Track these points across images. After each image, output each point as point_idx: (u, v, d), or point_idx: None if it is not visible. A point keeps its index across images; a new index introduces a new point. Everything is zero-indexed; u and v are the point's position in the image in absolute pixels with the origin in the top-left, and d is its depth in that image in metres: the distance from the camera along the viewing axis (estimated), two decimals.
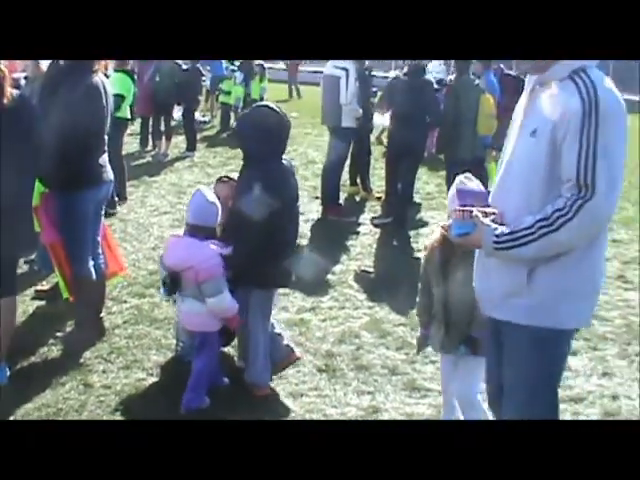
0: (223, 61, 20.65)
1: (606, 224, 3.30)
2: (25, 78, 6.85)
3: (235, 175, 5.58)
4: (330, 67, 10.70)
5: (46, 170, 5.44)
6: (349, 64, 10.42)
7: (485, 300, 3.58)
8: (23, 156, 4.96)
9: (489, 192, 3.61)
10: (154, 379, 5.47)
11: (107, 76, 8.98)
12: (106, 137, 6.03)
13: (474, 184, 3.92)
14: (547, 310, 3.30)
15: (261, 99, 18.75)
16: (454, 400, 4.63)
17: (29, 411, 4.90)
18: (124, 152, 11.83)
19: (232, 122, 18.08)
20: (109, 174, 6.05)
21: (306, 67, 32.12)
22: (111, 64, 9.59)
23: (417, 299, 4.84)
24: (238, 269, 4.99)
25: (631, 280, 8.58)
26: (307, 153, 15.67)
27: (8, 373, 5.30)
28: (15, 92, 5.16)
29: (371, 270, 8.27)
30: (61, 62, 5.71)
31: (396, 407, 5.23)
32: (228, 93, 18.42)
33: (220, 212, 5.13)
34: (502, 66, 12.69)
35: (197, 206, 5.11)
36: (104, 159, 6.00)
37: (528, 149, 3.28)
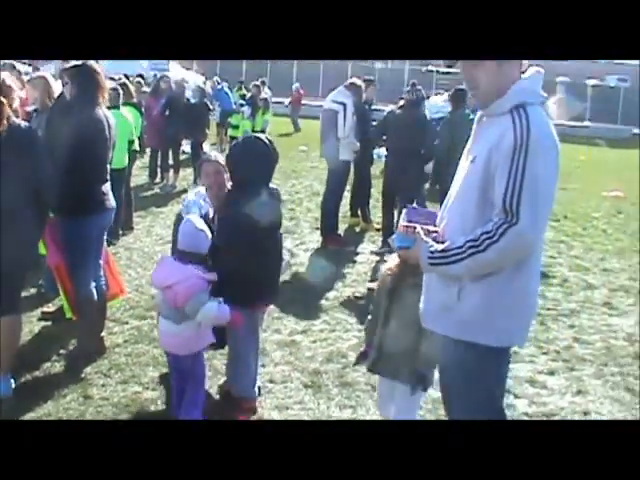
0: (232, 96, 21.24)
1: (531, 249, 3.47)
2: (35, 111, 7.23)
3: None
4: (328, 102, 11.13)
5: (53, 197, 5.80)
6: (347, 99, 10.85)
7: (424, 313, 3.83)
8: (21, 181, 5.32)
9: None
10: (150, 393, 5.79)
11: (117, 107, 9.48)
12: (109, 167, 6.44)
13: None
14: (477, 326, 3.53)
15: (262, 132, 19.23)
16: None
17: (31, 420, 5.21)
18: (133, 183, 12.28)
19: None
20: (111, 202, 6.44)
21: (310, 101, 32.96)
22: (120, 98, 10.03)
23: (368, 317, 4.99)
24: (223, 287, 5.31)
25: (616, 307, 8.89)
26: (312, 186, 16.06)
27: (13, 385, 5.66)
28: (19, 122, 5.55)
29: (362, 296, 8.60)
30: (67, 95, 6.13)
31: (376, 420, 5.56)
32: (236, 127, 18.92)
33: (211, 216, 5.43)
34: None
35: (186, 234, 5.24)
36: (107, 187, 6.39)
37: (467, 175, 3.58)
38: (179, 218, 5.80)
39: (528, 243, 3.41)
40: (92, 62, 6.14)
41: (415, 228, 3.65)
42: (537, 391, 6.31)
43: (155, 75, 23.18)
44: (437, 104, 17.76)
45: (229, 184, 5.64)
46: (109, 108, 8.79)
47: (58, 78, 6.56)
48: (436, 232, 3.66)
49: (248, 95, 20.91)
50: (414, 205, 3.99)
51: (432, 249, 3.53)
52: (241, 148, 5.70)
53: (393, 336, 4.47)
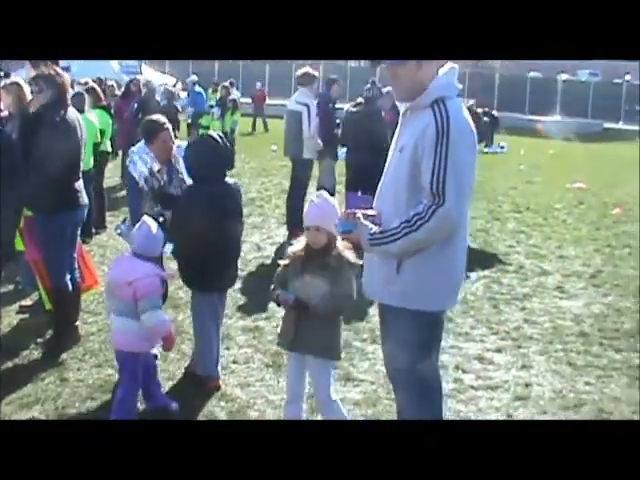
0: (205, 97, 21.67)
1: (456, 225, 3.97)
2: (9, 115, 7.57)
3: None
4: (293, 103, 11.58)
5: (28, 196, 6.22)
6: (309, 100, 11.30)
7: (368, 286, 4.31)
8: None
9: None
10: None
11: (82, 111, 9.85)
12: (81, 165, 6.87)
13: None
14: (415, 295, 4.03)
15: (232, 132, 19.71)
16: (299, 398, 5.01)
17: (12, 400, 5.66)
18: (105, 184, 12.67)
19: None
20: (84, 199, 6.86)
21: (274, 100, 33.62)
22: (88, 101, 10.42)
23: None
24: (182, 274, 5.76)
25: (567, 291, 9.38)
26: (282, 184, 16.42)
27: None
28: None
29: None
30: (38, 101, 6.55)
31: None
32: (207, 127, 19.30)
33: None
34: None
35: (141, 237, 5.42)
36: (80, 185, 6.80)
37: (396, 163, 4.07)
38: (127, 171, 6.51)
39: (454, 220, 3.91)
40: (57, 69, 6.57)
41: (355, 214, 4.11)
42: (484, 367, 6.77)
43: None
44: None
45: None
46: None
47: (28, 84, 6.93)
48: (374, 216, 4.12)
49: (218, 96, 21.29)
50: (353, 193, 4.44)
51: (372, 231, 4.01)
52: (196, 147, 6.16)
53: (307, 314, 4.74)
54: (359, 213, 4.10)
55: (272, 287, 4.96)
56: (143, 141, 6.57)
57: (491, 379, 6.51)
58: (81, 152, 6.80)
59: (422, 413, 4.20)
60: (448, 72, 4.08)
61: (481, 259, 10.77)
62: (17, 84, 7.21)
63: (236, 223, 6.13)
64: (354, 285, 4.73)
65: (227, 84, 21.87)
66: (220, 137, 6.09)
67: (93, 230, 10.87)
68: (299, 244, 4.92)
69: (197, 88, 22.84)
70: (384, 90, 11.83)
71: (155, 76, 38.81)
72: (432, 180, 3.82)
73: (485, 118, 20.20)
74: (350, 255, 4.70)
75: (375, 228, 4.01)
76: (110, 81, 19.91)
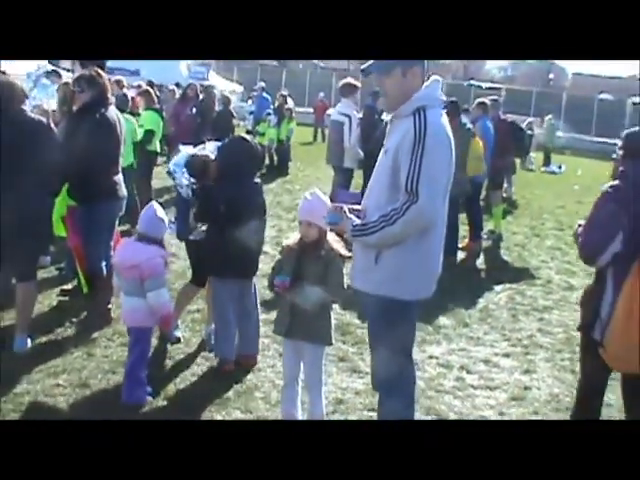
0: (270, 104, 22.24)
1: (430, 220, 4.35)
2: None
3: None
4: (335, 113, 12.07)
5: (72, 186, 6.95)
6: (350, 111, 11.75)
7: (350, 275, 4.76)
8: (41, 172, 6.27)
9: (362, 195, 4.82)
10: None
11: (138, 114, 10.47)
12: (120, 161, 7.42)
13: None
14: (392, 284, 4.44)
15: (287, 139, 20.25)
16: (294, 381, 5.43)
17: (41, 369, 6.20)
18: (159, 184, 13.28)
19: (266, 161, 19.57)
20: (123, 191, 7.42)
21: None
22: (142, 103, 11.04)
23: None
24: (207, 261, 6.26)
25: None
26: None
27: (29, 344, 6.63)
28: (38, 117, 6.58)
29: None
30: (82, 99, 7.11)
31: (336, 383, 6.43)
32: (262, 134, 19.88)
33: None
34: (500, 113, 13.79)
35: (147, 219, 5.88)
36: (119, 178, 7.37)
37: (381, 164, 4.52)
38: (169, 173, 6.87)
39: (427, 216, 4.32)
40: (99, 70, 7.15)
41: (342, 207, 4.55)
42: (488, 369, 7.11)
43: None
44: None
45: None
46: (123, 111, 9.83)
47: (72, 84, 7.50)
48: (359, 210, 4.56)
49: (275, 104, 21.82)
50: (342, 190, 4.89)
51: (355, 224, 4.45)
52: (228, 146, 6.64)
53: (302, 303, 5.11)
54: (345, 207, 4.54)
55: (269, 277, 5.40)
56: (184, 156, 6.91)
57: (492, 380, 6.84)
58: (120, 148, 7.36)
59: (391, 398, 4.69)
60: (430, 84, 4.49)
61: (511, 272, 11.13)
62: (66, 84, 7.80)
63: (259, 218, 6.58)
64: (344, 276, 5.14)
65: (285, 92, 22.42)
66: (250, 138, 6.59)
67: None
68: (293, 237, 5.39)
69: (264, 94, 23.40)
70: None
71: (222, 82, 39.69)
72: (407, 179, 4.24)
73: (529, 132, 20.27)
74: (340, 248, 5.14)
75: (358, 221, 4.45)
76: (171, 85, 20.57)
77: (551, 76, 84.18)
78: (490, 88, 51.21)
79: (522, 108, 41.40)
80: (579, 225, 5.03)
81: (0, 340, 6.53)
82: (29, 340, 6.66)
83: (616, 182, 4.83)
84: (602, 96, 51.68)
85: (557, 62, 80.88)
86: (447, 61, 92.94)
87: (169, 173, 6.92)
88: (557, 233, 14.73)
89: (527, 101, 47.85)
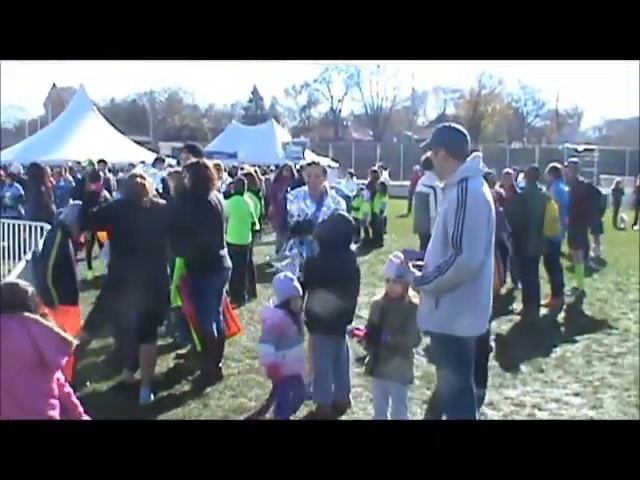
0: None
1: (474, 269, 5.32)
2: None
3: None
4: (420, 185, 12.98)
5: (186, 259, 8.18)
6: (434, 183, 12.64)
7: (418, 317, 5.77)
8: (161, 241, 7.57)
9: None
10: (252, 403, 7.75)
11: (241, 194, 11.75)
12: (224, 237, 8.57)
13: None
14: (449, 323, 5.44)
15: (381, 212, 21.32)
16: (383, 415, 6.46)
17: (164, 417, 7.28)
18: (261, 260, 14.49)
19: (362, 234, 20.84)
20: (228, 263, 8.55)
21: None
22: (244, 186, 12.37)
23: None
24: (312, 319, 7.28)
25: None
26: None
27: (152, 398, 7.77)
28: (159, 200, 7.84)
29: None
30: (187, 184, 8.35)
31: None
32: (357, 209, 20.99)
33: None
34: (577, 175, 14.47)
35: (281, 290, 6.88)
36: (224, 252, 8.53)
37: (437, 226, 5.56)
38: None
39: (470, 265, 5.32)
40: (204, 159, 8.39)
41: (407, 262, 5.63)
42: (559, 406, 7.87)
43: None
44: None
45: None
46: (236, 194, 11.14)
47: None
48: (421, 265, 5.59)
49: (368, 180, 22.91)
50: (409, 249, 5.91)
51: (416, 275, 5.53)
52: (327, 222, 7.80)
53: (385, 346, 6.24)
54: (410, 263, 5.58)
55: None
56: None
57: (561, 415, 7.59)
58: (222, 226, 8.51)
59: (454, 417, 5.62)
60: (473, 159, 5.50)
61: (590, 323, 11.83)
62: (177, 172, 9.07)
63: (353, 284, 7.61)
64: None
65: (376, 168, 23.58)
66: (347, 214, 7.80)
67: (245, 297, 12.56)
68: (380, 293, 6.47)
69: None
70: (504, 171, 13.14)
71: (317, 160, 40.87)
72: (453, 236, 5.28)
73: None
74: (418, 302, 6.10)
75: (418, 273, 5.50)
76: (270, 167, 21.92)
77: None
78: (585, 150, 51.47)
79: (616, 168, 41.63)
80: None
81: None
82: (152, 395, 7.78)
83: None
84: None
85: None
86: (540, 125, 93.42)
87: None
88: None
89: (621, 161, 47.99)
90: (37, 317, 4.85)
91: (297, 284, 6.87)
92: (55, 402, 4.91)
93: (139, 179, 7.81)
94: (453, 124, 5.89)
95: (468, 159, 5.51)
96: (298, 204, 8.52)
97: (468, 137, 5.68)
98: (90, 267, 14.71)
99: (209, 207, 8.29)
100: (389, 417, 6.45)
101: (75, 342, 5.06)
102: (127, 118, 74.27)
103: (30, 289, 5.00)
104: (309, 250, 8.24)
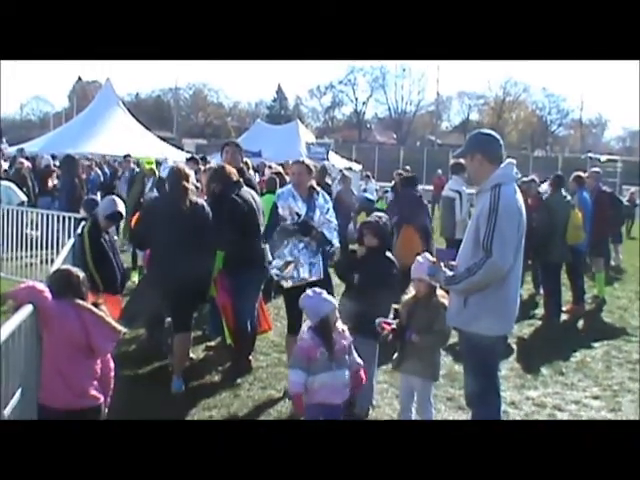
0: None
1: (503, 272, 5.51)
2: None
3: None
4: (447, 190, 13.19)
5: (227, 255, 8.42)
6: (460, 187, 12.88)
7: (447, 315, 6.02)
8: (202, 239, 7.84)
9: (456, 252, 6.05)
10: (278, 394, 8.03)
11: (273, 192, 12.00)
12: (259, 233, 8.80)
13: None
14: (478, 322, 5.66)
15: None
16: (408, 412, 6.67)
17: (197, 405, 7.58)
18: None
19: None
20: (269, 258, 8.71)
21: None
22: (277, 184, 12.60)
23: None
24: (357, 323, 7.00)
25: None
26: None
27: (183, 387, 8.05)
28: (198, 200, 8.12)
29: None
30: (215, 189, 8.64)
31: (444, 417, 7.53)
32: (382, 211, 21.12)
33: None
34: (600, 184, 14.67)
35: (312, 312, 6.05)
36: (265, 247, 8.72)
37: (469, 228, 5.78)
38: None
39: (499, 268, 5.53)
40: (228, 167, 8.75)
41: (439, 262, 5.87)
42: (578, 408, 8.09)
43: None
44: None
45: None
46: (268, 192, 11.43)
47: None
48: (453, 265, 5.84)
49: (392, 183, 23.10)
50: (442, 248, 6.16)
51: (447, 275, 5.76)
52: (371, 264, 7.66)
53: (410, 343, 6.41)
54: (441, 263, 5.82)
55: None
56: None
57: (581, 416, 7.81)
58: (256, 222, 8.71)
59: (478, 413, 5.90)
60: (506, 165, 5.72)
61: (610, 330, 12.04)
62: (210, 169, 9.38)
63: (389, 288, 7.38)
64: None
65: (400, 171, 23.73)
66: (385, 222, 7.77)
67: (272, 294, 12.80)
68: (410, 293, 6.68)
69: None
70: (529, 178, 13.37)
71: (341, 161, 41.08)
72: (484, 240, 5.50)
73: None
74: (446, 301, 6.32)
75: (449, 273, 5.74)
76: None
77: None
78: (608, 160, 51.47)
79: (638, 179, 41.61)
80: None
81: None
82: (183, 384, 8.06)
83: None
84: None
85: None
86: (564, 134, 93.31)
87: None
88: None
89: (614, 172, 47.90)
90: (90, 306, 5.18)
91: (327, 296, 6.05)
92: (96, 383, 5.28)
93: (184, 181, 8.09)
94: (487, 130, 6.13)
95: (502, 165, 5.72)
96: (289, 207, 8.12)
97: (502, 142, 5.89)
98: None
99: (245, 205, 8.54)
100: (414, 413, 6.68)
101: (124, 330, 5.38)
102: (151, 114, 74.55)
103: (82, 274, 5.32)
104: (308, 253, 8.08)
